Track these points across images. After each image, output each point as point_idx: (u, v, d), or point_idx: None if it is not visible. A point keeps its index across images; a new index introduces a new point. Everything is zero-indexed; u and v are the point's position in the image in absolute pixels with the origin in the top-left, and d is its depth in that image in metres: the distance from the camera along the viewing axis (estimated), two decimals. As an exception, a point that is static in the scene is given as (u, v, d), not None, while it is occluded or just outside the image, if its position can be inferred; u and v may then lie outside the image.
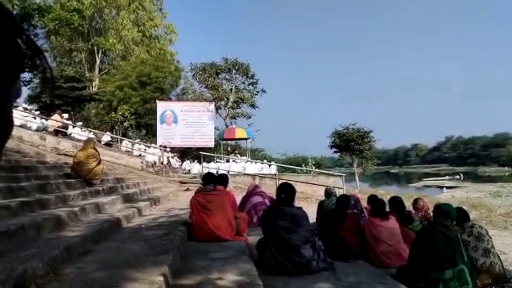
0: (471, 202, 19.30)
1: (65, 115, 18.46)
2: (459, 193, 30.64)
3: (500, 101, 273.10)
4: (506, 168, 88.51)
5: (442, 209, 3.86)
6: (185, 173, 18.53)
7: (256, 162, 19.44)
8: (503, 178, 57.61)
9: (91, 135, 17.21)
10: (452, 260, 3.59)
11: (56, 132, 15.43)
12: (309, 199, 12.44)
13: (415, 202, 6.34)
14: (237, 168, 17.19)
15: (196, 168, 19.20)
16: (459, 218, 4.10)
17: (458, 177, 56.46)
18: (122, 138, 20.68)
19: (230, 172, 14.90)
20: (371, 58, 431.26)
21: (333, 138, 25.25)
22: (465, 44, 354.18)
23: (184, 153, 26.89)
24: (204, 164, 17.15)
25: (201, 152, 17.67)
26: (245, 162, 18.60)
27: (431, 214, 4.89)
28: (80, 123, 19.42)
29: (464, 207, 7.22)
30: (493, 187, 35.69)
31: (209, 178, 5.09)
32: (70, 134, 16.32)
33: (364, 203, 6.27)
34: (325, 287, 3.32)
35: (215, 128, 23.54)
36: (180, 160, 23.18)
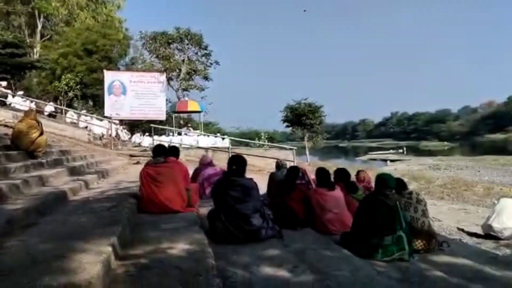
0: (412, 174, 20.63)
1: (4, 83, 17.53)
2: (401, 166, 32.51)
3: (443, 79, 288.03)
4: (445, 142, 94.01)
5: (382, 178, 4.11)
6: (135, 146, 18.14)
7: (209, 136, 19.38)
8: (443, 152, 61.49)
9: (33, 105, 16.33)
10: (391, 227, 3.85)
11: (-6, 102, 14.51)
12: (261, 171, 12.64)
13: (358, 174, 6.70)
14: (190, 141, 17.06)
15: (147, 141, 18.82)
16: (398, 187, 4.38)
17: (401, 150, 59.33)
18: (67, 109, 19.71)
19: (183, 145, 14.76)
20: (325, 34, 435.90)
21: (285, 113, 25.58)
22: (409, 20, 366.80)
23: (134, 126, 26.19)
24: (156, 137, 16.84)
25: (152, 125, 17.29)
26: (198, 136, 18.49)
27: (372, 185, 5.19)
28: (20, 92, 18.37)
29: (406, 179, 7.70)
30: (433, 161, 38.18)
31: (159, 150, 5.03)
32: (10, 104, 15.49)
33: (312, 175, 6.49)
34: (273, 253, 3.46)
35: (166, 100, 22.98)
36: (129, 133, 22.57)
